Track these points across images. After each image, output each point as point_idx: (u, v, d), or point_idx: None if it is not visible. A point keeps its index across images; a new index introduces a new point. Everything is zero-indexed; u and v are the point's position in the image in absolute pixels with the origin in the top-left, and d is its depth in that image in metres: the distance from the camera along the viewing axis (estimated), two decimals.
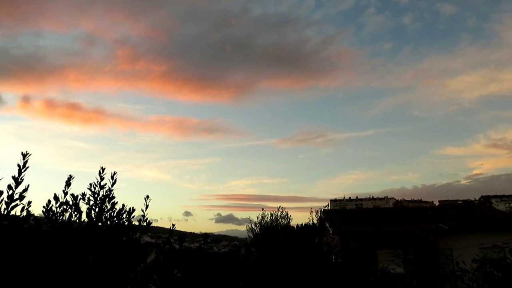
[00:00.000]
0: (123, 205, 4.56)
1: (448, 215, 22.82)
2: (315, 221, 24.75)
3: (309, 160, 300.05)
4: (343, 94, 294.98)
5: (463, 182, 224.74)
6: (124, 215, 4.50)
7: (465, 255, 8.45)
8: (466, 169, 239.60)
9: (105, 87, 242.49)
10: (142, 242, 4.60)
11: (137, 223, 4.70)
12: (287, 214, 26.30)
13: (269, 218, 24.96)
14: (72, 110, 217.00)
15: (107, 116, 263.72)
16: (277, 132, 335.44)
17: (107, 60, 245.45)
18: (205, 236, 5.45)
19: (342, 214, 24.69)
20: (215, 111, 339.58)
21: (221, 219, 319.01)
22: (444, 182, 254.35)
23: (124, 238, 4.40)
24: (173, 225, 5.18)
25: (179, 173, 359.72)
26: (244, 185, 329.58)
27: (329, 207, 31.36)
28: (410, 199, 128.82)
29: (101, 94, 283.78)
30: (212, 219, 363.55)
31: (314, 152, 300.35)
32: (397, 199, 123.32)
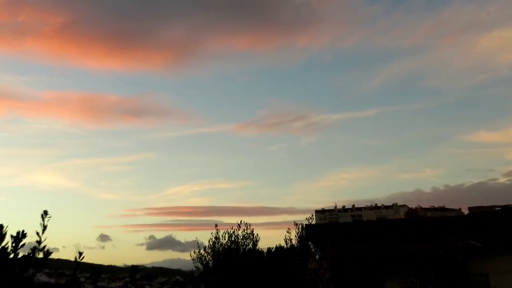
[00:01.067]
0: (2, 226, 4.38)
1: (482, 227, 24.17)
2: (294, 242, 25.09)
3: (284, 153, 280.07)
4: (331, 57, 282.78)
5: (502, 180, 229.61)
6: (8, 243, 4.33)
7: (506, 281, 8.78)
8: (504, 162, 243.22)
9: None
10: (36, 283, 4.45)
11: (29, 255, 4.51)
12: (253, 232, 26.64)
13: (226, 239, 25.11)
14: None
15: None
16: (236, 113, 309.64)
17: None
18: (133, 270, 5.25)
19: (333, 230, 25.70)
20: (143, 84, 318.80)
21: (155, 244, 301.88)
22: (475, 181, 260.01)
23: (7, 278, 4.25)
24: (81, 253, 5.12)
25: (91, 178, 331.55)
26: (189, 192, 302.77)
27: (315, 221, 32.00)
28: (428, 207, 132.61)
29: None
30: (142, 244, 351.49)
31: (290, 141, 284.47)
32: (410, 206, 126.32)
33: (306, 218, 29.61)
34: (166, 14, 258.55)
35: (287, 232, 27.18)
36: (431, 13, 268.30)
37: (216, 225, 26.76)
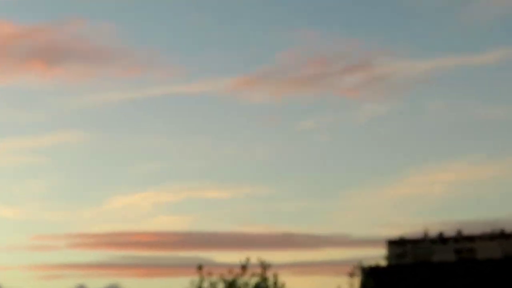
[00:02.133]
0: None
1: None
2: None
3: (327, 134, 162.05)
4: None
5: None
6: None
7: None
8: None
9: None
10: None
11: None
12: (273, 281, 17.41)
13: None
14: None
15: None
16: (238, 58, 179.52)
17: None
18: None
19: (423, 276, 22.70)
20: (60, 4, 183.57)
21: None
22: None
23: None
24: None
25: None
26: (151, 206, 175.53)
27: (387, 261, 22.57)
28: None
29: None
30: None
31: (340, 111, 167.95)
32: None
33: (383, 256, 19.25)
34: None
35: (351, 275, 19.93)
36: None
37: (200, 268, 16.74)
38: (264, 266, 17.54)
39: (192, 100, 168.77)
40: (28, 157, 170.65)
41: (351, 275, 17.41)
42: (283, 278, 19.33)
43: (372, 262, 18.67)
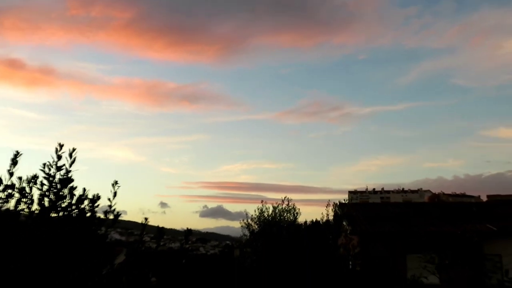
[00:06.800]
0: (84, 189, 4.55)
1: (498, 213, 24.50)
2: (330, 218, 24.92)
3: (322, 140, 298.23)
4: (365, 54, 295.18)
5: None
6: (86, 203, 4.50)
7: None
8: None
9: (52, 38, 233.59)
10: (109, 240, 4.61)
11: (102, 216, 4.69)
12: (294, 207, 26.45)
13: (270, 212, 25.00)
14: (12, 68, 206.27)
15: (57, 76, 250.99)
16: (278, 102, 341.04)
17: (54, 2, 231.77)
18: (187, 232, 5.33)
19: (364, 210, 26.51)
20: (197, 74, 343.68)
21: (208, 213, 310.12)
22: (493, 172, 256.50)
23: (86, 233, 4.42)
24: (146, 219, 5.24)
25: (155, 154, 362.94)
26: (238, 170, 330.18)
27: (348, 201, 31.83)
28: (450, 193, 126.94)
29: (47, 48, 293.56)
30: (196, 212, 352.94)
31: (328, 129, 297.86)
32: (433, 192, 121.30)
33: (344, 199, 28.68)
34: (216, 12, 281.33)
35: (327, 206, 26.33)
36: (460, 16, 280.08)
37: (262, 201, 26.68)
38: (288, 200, 28.33)
39: (258, 121, 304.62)
40: (182, 145, 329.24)
41: (327, 206, 27.72)
42: (298, 206, 28.81)
43: (340, 201, 28.48)
